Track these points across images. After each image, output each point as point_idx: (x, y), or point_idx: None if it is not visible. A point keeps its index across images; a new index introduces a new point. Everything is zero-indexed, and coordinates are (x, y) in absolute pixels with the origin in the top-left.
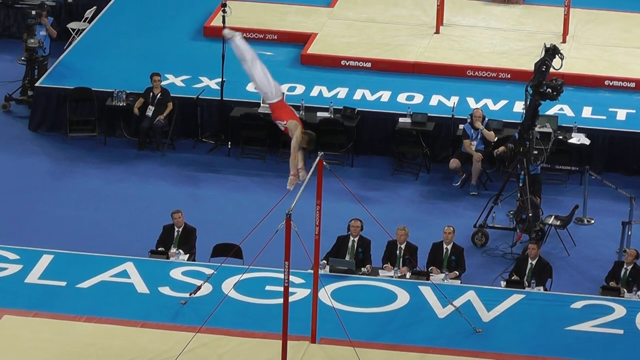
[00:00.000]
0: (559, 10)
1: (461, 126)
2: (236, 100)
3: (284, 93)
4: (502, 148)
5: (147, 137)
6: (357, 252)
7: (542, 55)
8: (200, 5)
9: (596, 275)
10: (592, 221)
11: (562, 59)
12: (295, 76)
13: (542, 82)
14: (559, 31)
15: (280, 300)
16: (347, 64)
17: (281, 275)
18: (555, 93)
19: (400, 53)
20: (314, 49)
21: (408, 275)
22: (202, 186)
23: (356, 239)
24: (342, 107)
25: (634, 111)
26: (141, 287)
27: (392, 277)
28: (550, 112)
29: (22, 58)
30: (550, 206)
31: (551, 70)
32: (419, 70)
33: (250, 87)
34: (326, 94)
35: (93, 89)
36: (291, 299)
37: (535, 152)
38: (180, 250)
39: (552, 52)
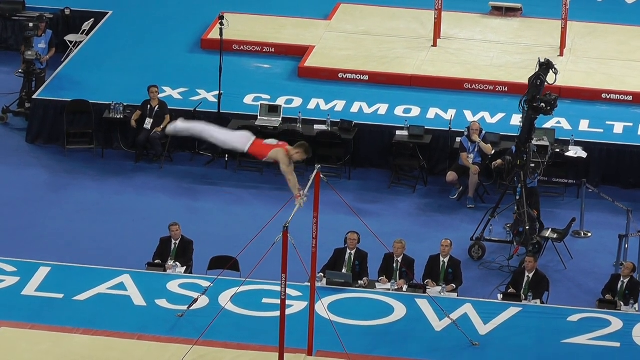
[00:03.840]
0: (556, 23)
1: (458, 139)
2: (233, 112)
3: (251, 133)
4: (499, 161)
5: (144, 149)
6: (354, 264)
7: (536, 70)
8: (197, 18)
9: (593, 288)
10: (589, 234)
11: (556, 73)
12: (293, 89)
13: (536, 96)
14: (557, 44)
15: (277, 313)
16: (345, 76)
17: (278, 288)
18: (549, 108)
19: (397, 66)
20: (311, 61)
21: (405, 288)
22: (199, 199)
23: (353, 252)
24: (339, 120)
25: (631, 124)
26: (138, 300)
27: (389, 290)
28: (548, 125)
29: (20, 70)
30: (547, 219)
31: (546, 84)
32: (416, 83)
33: (247, 100)
34: (323, 106)
35: (90, 101)
36: (288, 311)
37: (533, 165)
38: (177, 263)
39: (546, 66)
